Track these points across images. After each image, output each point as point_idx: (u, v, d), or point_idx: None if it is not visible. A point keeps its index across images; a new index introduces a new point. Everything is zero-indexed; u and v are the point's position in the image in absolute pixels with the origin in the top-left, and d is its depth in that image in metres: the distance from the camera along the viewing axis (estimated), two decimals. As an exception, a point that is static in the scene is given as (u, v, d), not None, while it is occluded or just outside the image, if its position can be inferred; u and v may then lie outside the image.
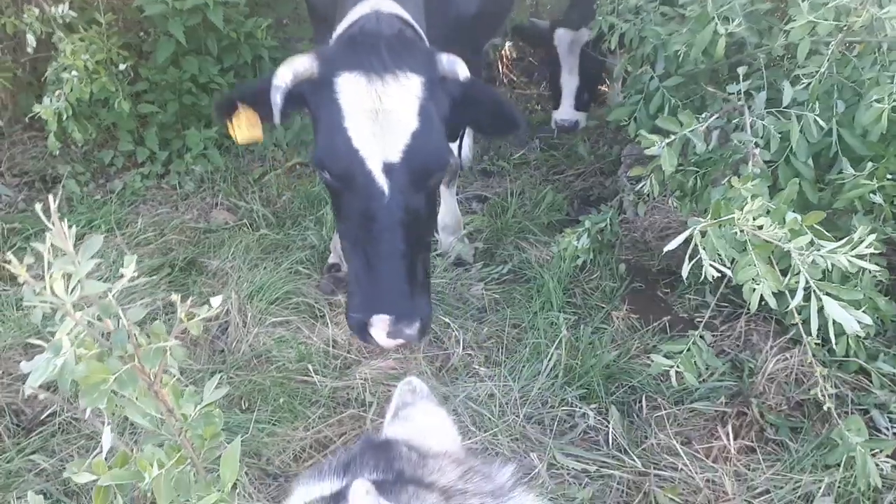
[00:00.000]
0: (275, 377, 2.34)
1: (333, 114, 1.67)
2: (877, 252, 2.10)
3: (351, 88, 1.66)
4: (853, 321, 1.48)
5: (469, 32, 2.37)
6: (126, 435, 2.09)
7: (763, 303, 2.23)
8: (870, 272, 2.10)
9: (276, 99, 1.72)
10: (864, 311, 2.18)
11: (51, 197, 1.09)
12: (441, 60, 1.73)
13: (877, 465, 1.65)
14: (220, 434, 1.11)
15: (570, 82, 3.66)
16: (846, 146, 2.10)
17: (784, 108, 2.04)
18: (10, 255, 0.99)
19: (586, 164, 3.76)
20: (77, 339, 0.94)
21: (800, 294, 1.49)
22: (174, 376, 1.06)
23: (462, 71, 1.72)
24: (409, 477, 0.86)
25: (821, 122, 1.98)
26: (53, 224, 0.91)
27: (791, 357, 2.32)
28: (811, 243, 1.46)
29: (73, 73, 3.05)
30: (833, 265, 1.46)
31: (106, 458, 1.06)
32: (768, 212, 1.62)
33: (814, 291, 1.48)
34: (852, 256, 1.43)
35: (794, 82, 2.04)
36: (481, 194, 3.57)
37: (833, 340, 1.56)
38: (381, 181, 1.67)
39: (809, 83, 2.00)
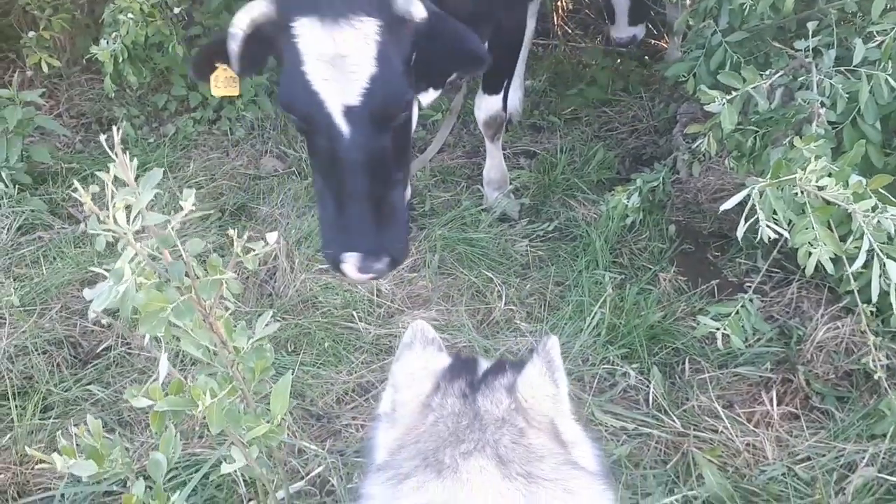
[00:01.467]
0: (320, 322, 2.39)
1: (293, 58, 1.70)
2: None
3: (307, 33, 1.67)
4: None
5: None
6: (180, 367, 2.17)
7: (817, 269, 2.18)
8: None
9: (233, 46, 1.73)
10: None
11: (115, 129, 1.12)
12: (397, 4, 1.71)
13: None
14: (271, 369, 1.15)
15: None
16: (918, 110, 2.00)
17: (854, 66, 1.95)
18: (76, 184, 1.02)
19: (641, 121, 3.68)
20: (137, 269, 0.97)
21: (862, 257, 1.44)
22: (229, 310, 1.09)
23: (417, 10, 1.70)
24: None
25: (892, 83, 1.88)
26: (117, 155, 0.93)
27: (842, 326, 2.26)
28: (875, 207, 1.40)
29: (129, 15, 3.07)
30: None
31: (162, 386, 1.10)
32: (831, 174, 1.56)
33: (876, 255, 1.43)
34: None
35: (867, 40, 1.94)
36: (530, 149, 3.52)
37: (894, 306, 1.50)
38: (342, 124, 1.71)
39: (883, 41, 1.89)
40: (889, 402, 1.78)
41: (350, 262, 1.82)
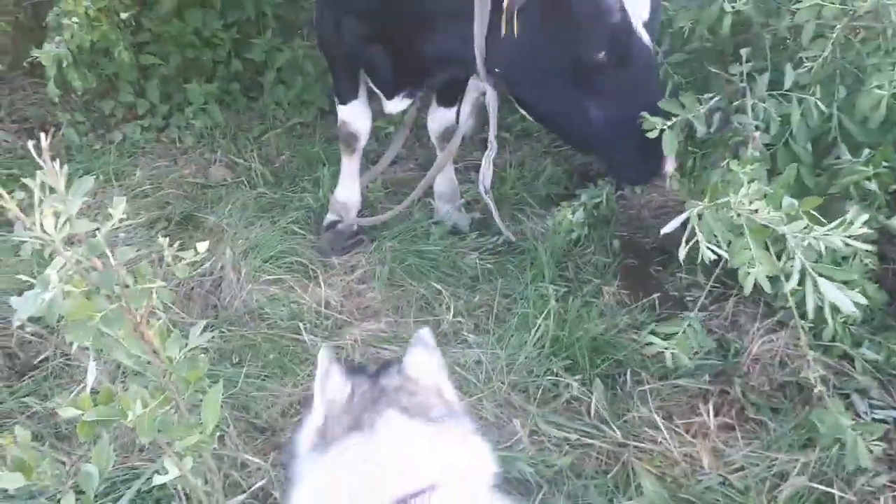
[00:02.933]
0: (266, 334, 2.37)
1: None
2: (870, 240, 2.13)
3: None
4: (848, 301, 1.49)
5: None
6: (121, 378, 2.12)
7: (755, 286, 2.25)
8: (861, 260, 2.13)
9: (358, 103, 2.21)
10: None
11: (43, 135, 1.10)
12: None
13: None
14: (205, 378, 1.14)
15: None
16: (846, 132, 2.10)
17: (786, 91, 2.04)
18: (0, 190, 1.00)
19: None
20: (66, 276, 0.96)
21: (795, 277, 1.50)
22: (160, 319, 1.08)
23: None
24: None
25: (821, 107, 1.98)
26: (45, 162, 0.92)
27: (777, 339, 2.35)
28: (806, 227, 1.47)
29: (74, 19, 3.02)
30: (826, 248, 1.47)
31: (92, 396, 1.08)
32: (766, 196, 1.63)
33: (808, 273, 1.50)
34: (846, 238, 1.44)
35: (798, 65, 2.03)
36: (480, 164, 3.55)
37: (830, 321, 1.58)
38: (642, 32, 1.99)
39: (812, 67, 1.99)
40: (819, 414, 1.85)
41: (669, 163, 2.08)
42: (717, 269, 2.57)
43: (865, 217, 1.49)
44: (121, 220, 1.09)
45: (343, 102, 2.78)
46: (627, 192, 3.12)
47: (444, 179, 3.08)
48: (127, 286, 1.04)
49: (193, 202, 3.13)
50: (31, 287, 1.20)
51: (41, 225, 0.94)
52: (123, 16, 3.25)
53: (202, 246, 1.15)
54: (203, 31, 3.50)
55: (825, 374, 2.21)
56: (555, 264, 2.71)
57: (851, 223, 1.47)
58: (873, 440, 1.69)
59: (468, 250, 2.90)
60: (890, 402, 2.17)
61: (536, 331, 2.31)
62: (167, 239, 1.14)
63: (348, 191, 2.94)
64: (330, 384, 1.24)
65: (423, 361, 1.28)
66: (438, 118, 2.93)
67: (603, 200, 2.69)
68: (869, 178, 2.01)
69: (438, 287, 2.65)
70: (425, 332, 1.34)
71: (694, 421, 2.09)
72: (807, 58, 2.00)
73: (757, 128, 1.95)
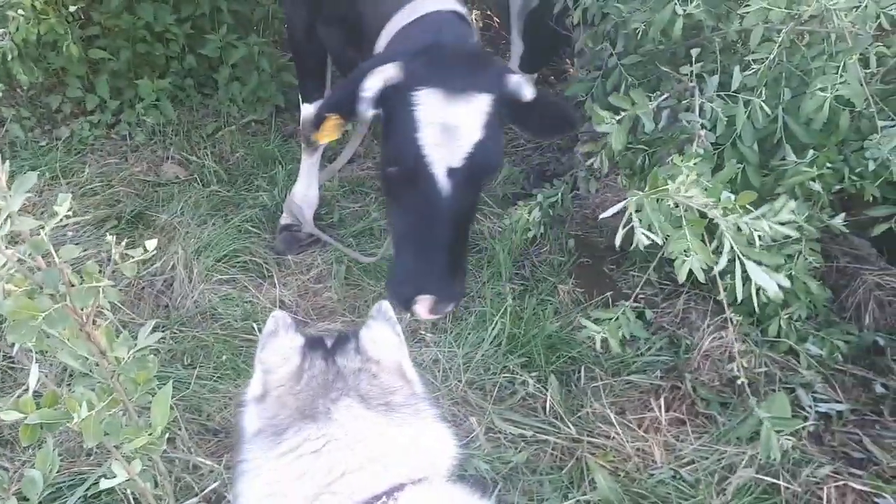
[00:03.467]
0: (219, 334, 2.33)
1: (408, 120, 1.85)
2: (813, 237, 2.20)
3: (428, 102, 1.83)
4: (773, 284, 1.53)
5: None
6: (69, 380, 2.07)
7: (702, 282, 2.29)
8: (805, 257, 2.20)
9: (364, 107, 1.88)
10: (797, 296, 2.30)
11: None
12: (510, 81, 1.90)
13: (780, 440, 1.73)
14: (154, 380, 1.12)
15: (516, 46, 3.69)
16: (791, 134, 2.16)
17: (733, 92, 2.09)
18: (-64, 190, 0.96)
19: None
20: (6, 275, 0.93)
21: (724, 259, 1.54)
22: (107, 319, 1.05)
23: (527, 92, 1.90)
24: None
25: (766, 109, 2.03)
26: None
27: (726, 335, 2.40)
28: (726, 210, 1.51)
29: (20, 11, 2.93)
30: (759, 237, 1.51)
31: (36, 398, 1.05)
32: (705, 189, 1.66)
33: (737, 256, 1.53)
34: (773, 223, 1.48)
35: (745, 68, 2.08)
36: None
37: (755, 305, 1.62)
38: (443, 182, 1.87)
39: (759, 69, 2.04)
40: (755, 413, 1.90)
41: (423, 304, 1.94)
42: (668, 268, 2.65)
43: (793, 205, 1.54)
44: (68, 218, 1.06)
45: (307, 101, 2.76)
46: (583, 192, 3.16)
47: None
48: (72, 285, 1.01)
49: (144, 200, 3.07)
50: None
51: None
52: (72, 8, 3.17)
53: (151, 244, 1.13)
54: (155, 26, 3.42)
55: (769, 369, 2.29)
56: (511, 263, 2.73)
57: (782, 208, 1.51)
58: (787, 435, 1.73)
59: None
60: (833, 396, 2.25)
61: (493, 329, 2.33)
62: (114, 237, 1.11)
63: (307, 188, 2.92)
64: (275, 346, 1.16)
65: (384, 338, 1.19)
66: None
67: (559, 200, 2.72)
68: (813, 179, 2.07)
69: (395, 286, 2.63)
70: (385, 305, 1.24)
71: (646, 416, 2.13)
72: (754, 60, 2.05)
73: (703, 126, 1.99)
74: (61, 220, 1.12)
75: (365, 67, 1.93)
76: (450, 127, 1.84)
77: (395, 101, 1.88)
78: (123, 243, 1.08)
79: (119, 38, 3.44)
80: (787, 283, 1.57)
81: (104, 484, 1.18)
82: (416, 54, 1.87)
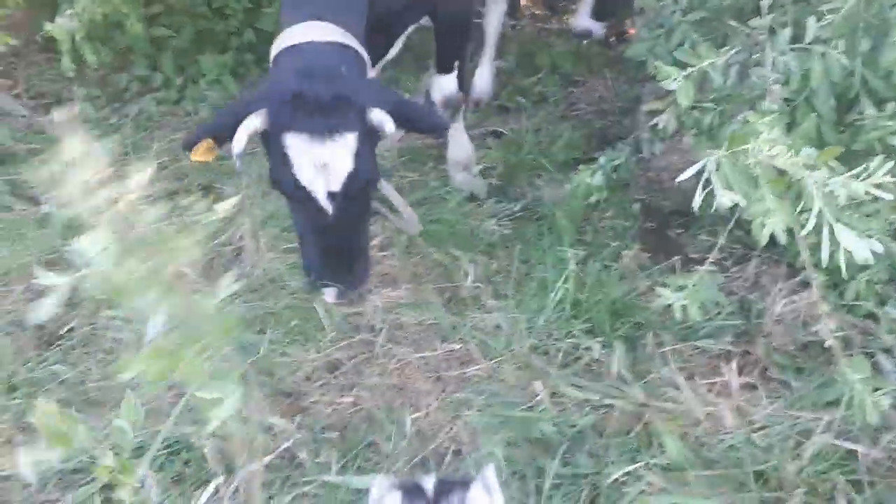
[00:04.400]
0: (287, 301, 2.39)
1: (283, 159, 2.03)
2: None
3: (296, 146, 2.00)
4: (865, 248, 1.47)
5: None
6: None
7: (776, 245, 2.21)
8: (885, 218, 2.11)
9: (236, 160, 2.05)
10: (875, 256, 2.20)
11: (62, 108, 1.12)
12: (372, 118, 2.04)
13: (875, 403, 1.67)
14: (234, 329, 1.16)
15: None
16: (869, 87, 2.06)
17: (807, 45, 2.00)
18: (35, 164, 1.01)
19: (606, 101, 3.72)
20: (97, 244, 0.98)
21: (812, 221, 1.48)
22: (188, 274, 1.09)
23: (388, 127, 2.05)
24: None
25: (843, 61, 1.93)
26: (64, 134, 0.93)
27: (800, 300, 2.33)
28: (817, 167, 1.45)
29: (87, -8, 3.01)
30: (847, 201, 1.45)
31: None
32: (785, 146, 1.60)
33: (826, 219, 1.47)
34: (868, 186, 1.41)
35: (819, 19, 1.99)
36: (497, 130, 3.53)
37: (843, 270, 1.55)
38: (325, 203, 2.08)
39: (834, 20, 1.94)
40: (841, 371, 1.84)
41: (328, 294, 2.26)
42: (738, 231, 2.58)
43: (890, 165, 1.46)
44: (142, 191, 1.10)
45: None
46: (647, 155, 3.08)
47: (457, 146, 3.06)
48: (157, 245, 1.06)
49: (211, 173, 3.14)
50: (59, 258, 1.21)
51: (70, 194, 0.95)
52: (136, -12, 3.24)
53: (231, 201, 1.18)
54: (214, 2, 3.48)
55: (847, 333, 2.20)
56: (573, 229, 2.69)
57: (877, 169, 1.44)
58: (882, 394, 1.67)
59: (486, 217, 2.89)
60: (916, 361, 2.16)
61: (556, 294, 2.31)
62: (192, 197, 1.16)
63: None
64: None
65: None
66: (438, 86, 2.92)
67: (622, 163, 2.66)
68: (893, 133, 1.97)
69: (457, 254, 2.64)
70: (490, 470, 1.29)
71: (716, 381, 2.09)
72: (829, 11, 1.95)
73: (776, 81, 1.91)
74: (143, 187, 1.16)
75: (238, 104, 2.18)
76: (321, 164, 2.01)
77: (270, 142, 2.07)
78: (201, 204, 1.12)
79: (181, 15, 3.51)
80: (880, 249, 1.50)
81: (209, 428, 1.22)
82: (280, 100, 2.01)
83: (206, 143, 2.10)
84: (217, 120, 2.18)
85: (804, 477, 1.75)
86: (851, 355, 2.13)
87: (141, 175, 1.19)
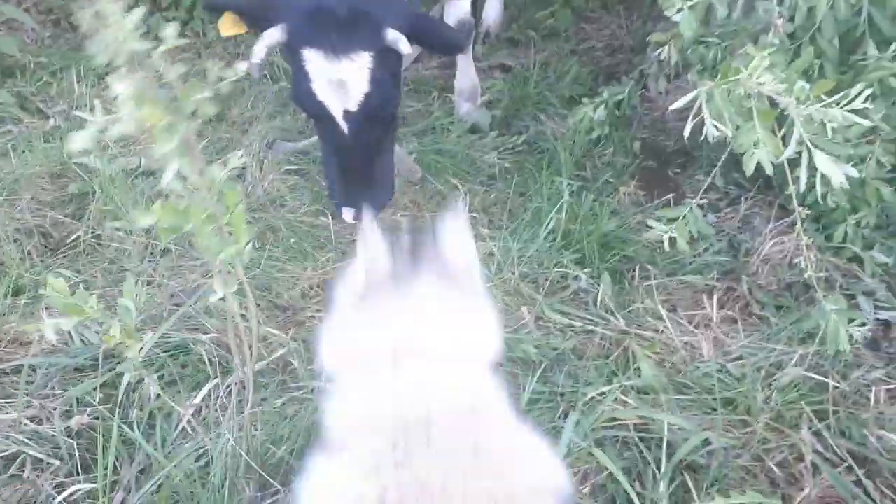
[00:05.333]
0: (287, 219, 2.45)
1: (302, 73, 2.10)
2: (889, 139, 2.11)
3: (313, 62, 2.07)
4: (840, 174, 1.50)
5: None
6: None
7: (770, 187, 2.22)
8: (877, 160, 2.12)
9: (254, 70, 2.15)
10: (867, 202, 2.22)
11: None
12: (387, 36, 2.06)
13: (849, 334, 1.73)
14: (241, 202, 1.22)
15: None
16: (875, 28, 2.04)
17: (816, -20, 1.97)
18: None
19: (618, 39, 3.68)
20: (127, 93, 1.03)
21: (792, 147, 1.51)
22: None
23: (404, 47, 2.08)
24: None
25: (850, -1, 1.92)
26: None
27: (788, 241, 2.36)
28: (799, 100, 1.47)
29: None
30: (833, 130, 1.47)
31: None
32: (781, 80, 1.61)
33: (805, 144, 1.50)
34: (845, 112, 1.43)
35: (829, -47, 1.96)
36: (505, 63, 3.52)
37: (819, 194, 1.59)
38: (342, 122, 2.16)
39: (845, -45, 1.92)
40: (818, 303, 1.89)
41: (347, 215, 2.35)
42: (735, 173, 2.60)
43: (868, 92, 1.47)
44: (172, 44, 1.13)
45: None
46: (653, 92, 3.07)
47: (464, 77, 3.06)
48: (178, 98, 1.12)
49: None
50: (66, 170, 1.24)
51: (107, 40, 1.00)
52: None
53: (241, 66, 1.23)
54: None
55: (830, 274, 2.25)
56: (573, 164, 2.72)
57: (856, 96, 1.46)
58: (854, 325, 1.72)
59: (487, 149, 2.91)
60: (895, 304, 2.21)
61: (548, 224, 2.36)
62: (213, 59, 1.22)
63: None
64: (372, 241, 1.23)
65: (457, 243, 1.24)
66: (452, 11, 2.89)
67: (625, 98, 2.66)
68: (894, 75, 1.97)
69: (455, 183, 2.68)
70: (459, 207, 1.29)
71: (697, 313, 2.15)
72: (840, -54, 1.92)
73: (781, 15, 1.90)
74: (169, 44, 1.20)
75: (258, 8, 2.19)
76: (337, 81, 2.08)
77: (288, 56, 2.18)
78: (218, 65, 1.18)
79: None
80: (854, 174, 1.53)
81: (212, 299, 1.30)
82: (298, 15, 2.06)
83: (230, 16, 2.18)
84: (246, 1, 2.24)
85: (772, 405, 1.82)
86: (831, 294, 2.19)
87: (170, 30, 1.22)
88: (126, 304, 1.34)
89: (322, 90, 2.10)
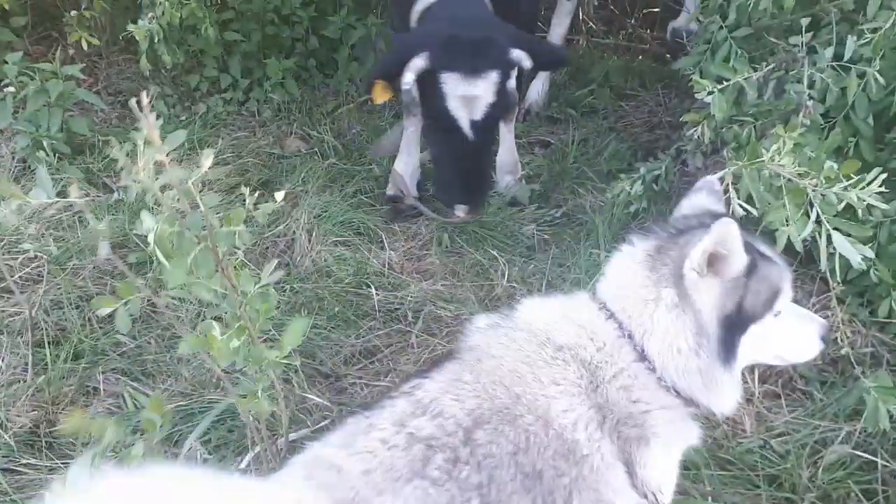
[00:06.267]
0: (332, 289, 2.53)
1: (438, 93, 2.54)
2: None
3: (451, 83, 2.52)
4: (856, 254, 1.52)
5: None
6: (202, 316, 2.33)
7: (812, 260, 2.22)
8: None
9: (405, 92, 2.55)
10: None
11: (143, 93, 1.27)
12: (513, 57, 2.55)
13: (890, 413, 1.70)
14: (274, 310, 1.28)
15: None
16: (911, 106, 2.08)
17: (846, 62, 2.03)
18: (112, 140, 1.17)
19: (656, 115, 3.77)
20: (161, 219, 1.11)
21: (810, 227, 1.54)
22: (238, 258, 1.22)
23: (526, 63, 2.59)
24: None
25: (881, 79, 1.97)
26: (144, 116, 1.07)
27: (831, 315, 2.34)
28: (828, 180, 1.50)
29: (166, -2, 3.25)
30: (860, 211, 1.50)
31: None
32: (810, 159, 1.66)
33: (823, 224, 1.53)
34: (861, 193, 1.46)
35: (859, 37, 2.02)
36: (545, 139, 3.63)
37: (836, 273, 1.61)
38: (467, 130, 2.59)
39: (874, 38, 1.98)
40: (861, 385, 1.86)
41: (459, 210, 2.75)
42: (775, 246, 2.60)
43: (884, 176, 1.51)
44: (205, 182, 1.24)
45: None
46: (691, 167, 3.13)
47: (505, 151, 3.17)
48: (213, 228, 1.19)
49: (270, 170, 3.33)
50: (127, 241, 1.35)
51: (142, 172, 1.09)
52: (210, -6, 3.47)
53: (279, 195, 1.30)
54: (282, 9, 3.68)
55: (876, 349, 2.22)
56: (611, 236, 2.76)
57: (873, 180, 1.49)
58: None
59: (526, 221, 2.99)
60: (945, 381, 2.15)
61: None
62: (248, 189, 1.29)
63: (408, 157, 3.08)
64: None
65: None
66: None
67: (662, 173, 2.72)
68: (930, 152, 2.00)
69: (494, 254, 2.75)
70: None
71: (739, 387, 2.13)
72: (868, 30, 1.99)
73: (811, 97, 1.96)
74: (205, 170, 1.31)
75: (399, 46, 2.69)
76: (469, 97, 2.51)
77: (427, 80, 2.53)
78: (256, 195, 1.25)
79: (251, 21, 3.73)
80: (870, 254, 1.55)
81: (240, 403, 1.36)
82: (439, 45, 2.49)
83: (380, 84, 2.62)
84: (384, 65, 2.75)
85: (818, 483, 1.78)
86: (877, 370, 2.16)
87: (205, 160, 1.33)
88: (153, 419, 1.40)
89: (454, 106, 2.53)
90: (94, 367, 2.29)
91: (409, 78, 2.50)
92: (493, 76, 2.51)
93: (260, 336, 1.43)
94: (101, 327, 2.47)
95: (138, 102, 1.25)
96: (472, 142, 2.60)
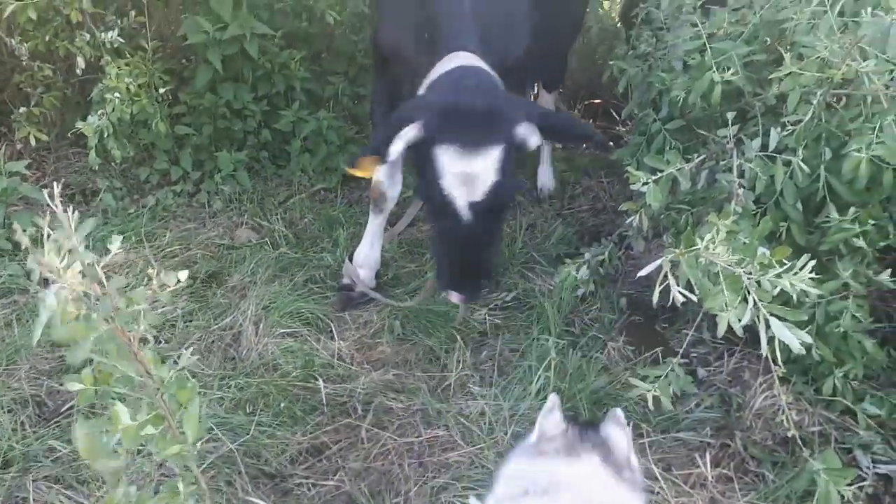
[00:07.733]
0: (278, 383, 2.47)
1: (433, 169, 2.16)
2: (860, 294, 2.19)
3: (448, 157, 2.14)
4: (794, 340, 1.56)
5: (515, 74, 2.69)
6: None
7: (757, 340, 2.28)
8: (852, 315, 2.19)
9: (392, 168, 2.37)
10: (853, 355, 2.27)
11: (55, 184, 1.27)
12: (518, 133, 2.17)
13: (841, 494, 1.71)
14: (195, 399, 1.24)
15: None
16: (835, 192, 2.19)
17: (772, 152, 2.15)
18: (16, 226, 1.16)
19: (601, 201, 3.88)
20: (63, 300, 1.09)
21: (748, 314, 1.58)
22: (148, 343, 1.19)
23: (533, 141, 2.20)
24: None
25: (805, 168, 2.08)
26: (55, 205, 1.07)
27: (780, 394, 2.37)
28: (762, 266, 1.56)
29: (116, 94, 3.28)
30: (795, 295, 1.55)
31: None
32: (743, 246, 1.72)
33: (761, 312, 1.57)
34: (793, 280, 1.51)
35: (783, 128, 2.15)
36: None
37: (778, 358, 1.64)
38: (466, 213, 2.22)
39: (796, 129, 2.10)
40: (810, 466, 1.88)
41: (456, 298, 2.45)
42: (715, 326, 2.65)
43: (812, 263, 1.57)
44: (116, 254, 1.23)
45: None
46: (636, 251, 3.20)
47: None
48: (118, 309, 1.17)
49: (219, 262, 3.30)
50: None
51: (48, 255, 1.08)
52: (161, 90, 3.51)
53: (182, 274, 1.29)
54: (234, 104, 3.74)
55: (824, 428, 2.24)
56: (561, 320, 2.79)
57: (803, 266, 1.54)
58: (847, 485, 1.70)
59: (478, 306, 3.00)
60: (893, 457, 2.18)
61: (537, 382, 2.38)
62: (157, 266, 1.28)
63: (370, 248, 3.08)
64: (550, 419, 1.40)
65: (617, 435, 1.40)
66: None
67: (607, 258, 2.78)
68: (857, 236, 2.09)
69: (447, 341, 2.73)
70: (619, 412, 1.45)
71: (692, 472, 2.12)
72: (790, 122, 2.11)
73: (741, 185, 2.05)
74: (113, 254, 1.29)
75: (395, 117, 2.22)
76: (468, 175, 2.13)
77: (421, 152, 2.17)
78: (162, 273, 1.24)
79: (202, 115, 3.77)
80: (808, 339, 1.59)
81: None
82: (435, 113, 2.13)
83: (370, 159, 2.24)
84: (377, 139, 2.30)
85: (774, 570, 1.76)
86: (825, 450, 2.17)
87: (113, 245, 1.31)
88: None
89: (451, 184, 2.16)
90: (25, 474, 2.16)
91: (397, 147, 2.13)
92: (496, 153, 2.12)
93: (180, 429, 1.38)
94: (34, 431, 2.35)
95: (50, 194, 1.25)
96: (471, 225, 2.21)
